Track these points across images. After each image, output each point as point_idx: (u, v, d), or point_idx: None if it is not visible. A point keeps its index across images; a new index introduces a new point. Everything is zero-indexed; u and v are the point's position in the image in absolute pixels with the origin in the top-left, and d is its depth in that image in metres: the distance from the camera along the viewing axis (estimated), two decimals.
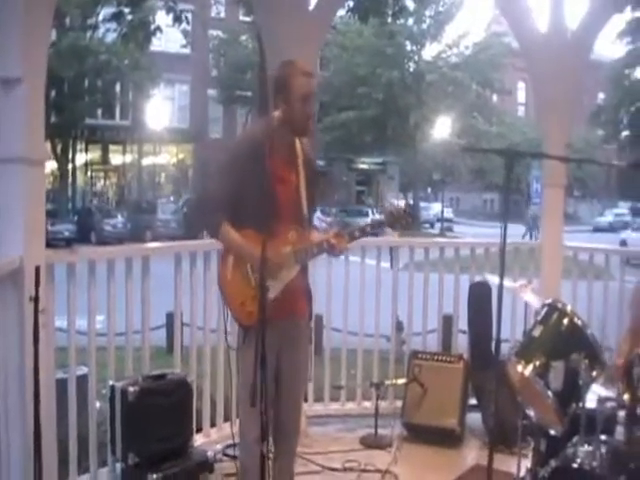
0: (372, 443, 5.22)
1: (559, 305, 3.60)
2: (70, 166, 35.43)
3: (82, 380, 4.28)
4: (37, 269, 3.56)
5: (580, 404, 3.33)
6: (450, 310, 5.91)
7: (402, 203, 3.59)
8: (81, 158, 37.60)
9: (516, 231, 11.72)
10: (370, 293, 5.59)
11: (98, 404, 4.40)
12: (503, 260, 3.31)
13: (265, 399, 3.05)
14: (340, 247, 3.42)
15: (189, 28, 21.03)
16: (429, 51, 38.41)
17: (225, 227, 3.39)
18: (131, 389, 4.08)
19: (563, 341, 3.48)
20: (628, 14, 22.63)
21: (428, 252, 5.96)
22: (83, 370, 4.43)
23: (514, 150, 3.47)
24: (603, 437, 3.37)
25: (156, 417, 4.12)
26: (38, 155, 3.82)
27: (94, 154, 39.41)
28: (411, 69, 37.84)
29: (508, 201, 3.51)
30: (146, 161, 40.34)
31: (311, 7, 5.23)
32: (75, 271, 4.10)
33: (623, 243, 27.68)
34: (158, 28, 12.87)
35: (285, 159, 3.47)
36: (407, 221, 3.38)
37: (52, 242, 21.16)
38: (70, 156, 34.98)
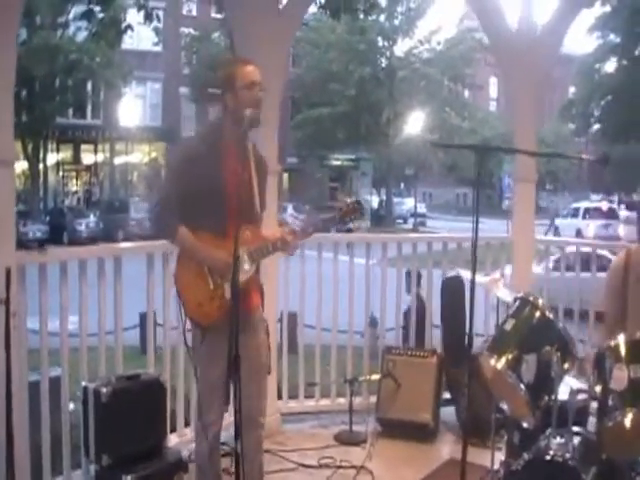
0: (347, 439, 5.23)
1: (530, 298, 3.61)
2: (41, 166, 35.13)
3: (55, 382, 4.24)
4: (8, 271, 3.54)
5: (552, 396, 3.36)
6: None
7: (353, 199, 3.68)
8: (52, 158, 37.31)
9: (489, 226, 11.80)
10: (343, 289, 5.60)
11: (72, 406, 4.37)
12: (475, 254, 3.33)
13: (239, 396, 3.02)
14: (293, 244, 3.48)
15: (160, 26, 20.92)
16: (401, 47, 38.54)
17: (181, 230, 3.41)
18: (104, 390, 4.03)
19: (535, 334, 3.49)
20: (597, 9, 22.80)
21: (401, 247, 5.98)
22: (57, 371, 4.38)
23: (484, 145, 3.51)
24: (575, 429, 3.41)
25: (129, 418, 4.08)
26: (6, 156, 3.78)
27: (65, 154, 39.12)
28: (383, 65, 37.93)
29: (479, 196, 3.52)
30: (118, 160, 40.09)
31: (282, 5, 5.23)
32: (46, 272, 4.06)
33: (556, 229, 31.02)
34: (129, 26, 12.75)
35: (236, 159, 3.45)
36: (356, 214, 3.48)
37: (24, 243, 20.99)
38: (41, 156, 34.67)
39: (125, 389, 4.14)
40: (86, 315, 4.31)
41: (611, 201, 38.60)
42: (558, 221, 33.24)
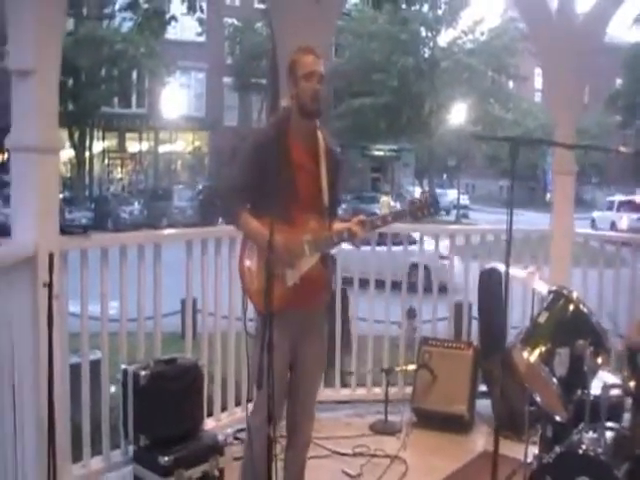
0: (382, 429, 5.26)
1: (565, 292, 3.62)
2: (87, 154, 35.59)
3: (96, 365, 4.35)
4: (51, 256, 3.61)
5: (585, 391, 3.35)
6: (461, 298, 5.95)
7: (424, 192, 3.52)
8: (98, 146, 37.73)
9: (531, 218, 11.63)
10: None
11: (113, 388, 4.47)
12: (509, 247, 3.33)
13: (272, 382, 3.04)
14: (361, 236, 3.38)
15: (204, 16, 21.10)
16: (444, 37, 38.14)
17: (244, 215, 3.41)
18: (143, 373, 4.14)
19: (568, 328, 3.51)
20: None
21: (438, 240, 5.98)
22: (97, 355, 4.49)
23: (518, 137, 3.47)
24: (609, 424, 3.39)
25: (167, 400, 4.18)
26: (51, 144, 3.87)
27: (111, 142, 39.49)
28: (426, 55, 37.59)
29: (513, 188, 3.50)
30: (162, 149, 40.42)
31: None
32: (88, 257, 4.15)
33: (593, 222, 30.82)
34: (173, 17, 12.89)
35: (306, 149, 3.46)
36: (429, 210, 3.33)
37: (69, 229, 21.18)
38: (87, 144, 35.16)
39: (163, 372, 4.24)
40: (126, 300, 4.38)
41: None
42: (596, 214, 33.19)
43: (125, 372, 4.22)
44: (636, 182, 43.03)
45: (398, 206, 26.25)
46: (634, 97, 31.29)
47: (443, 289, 5.83)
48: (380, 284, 5.66)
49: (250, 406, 3.59)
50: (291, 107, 3.41)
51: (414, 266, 5.83)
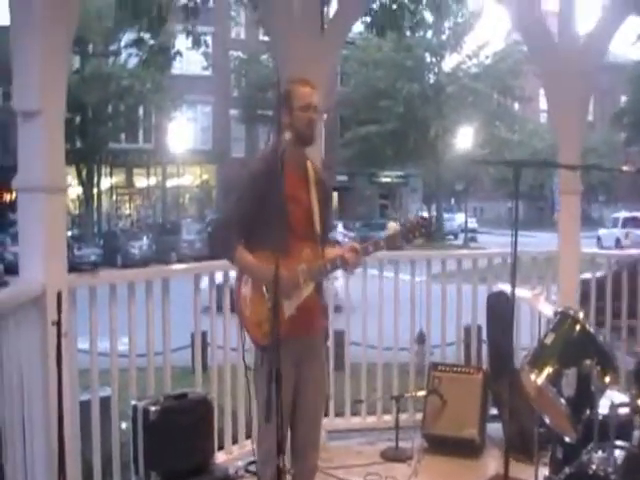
0: (393, 456, 5.24)
1: (571, 312, 3.61)
2: (95, 190, 35.78)
3: (106, 401, 4.36)
4: (59, 294, 3.64)
5: (593, 410, 3.35)
6: (470, 321, 5.95)
7: (419, 215, 3.56)
8: (106, 182, 37.97)
9: (540, 239, 11.70)
10: (389, 306, 5.63)
11: (124, 425, 4.49)
12: (514, 269, 3.35)
13: (281, 414, 3.07)
14: (354, 263, 3.41)
15: (210, 50, 21.32)
16: (449, 62, 38.37)
17: (239, 250, 3.44)
18: (152, 408, 4.15)
19: (575, 348, 3.51)
20: None
21: (445, 264, 5.99)
22: (107, 391, 4.49)
23: (520, 161, 3.51)
24: (619, 443, 3.38)
25: (177, 435, 4.19)
26: (58, 184, 3.93)
27: (118, 178, 39.81)
28: (431, 81, 37.84)
29: (517, 209, 3.53)
30: (170, 183, 40.74)
31: (325, 25, 5.30)
32: (96, 294, 4.18)
33: (598, 239, 31.20)
34: (178, 52, 13.04)
35: (297, 178, 3.50)
36: (421, 232, 3.34)
37: (79, 266, 21.34)
38: (95, 180, 35.33)
39: (173, 407, 4.25)
40: (135, 336, 4.40)
41: None
42: (601, 232, 33.50)
43: (135, 408, 4.22)
44: None
45: None
46: (638, 114, 31.27)
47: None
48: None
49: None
50: (287, 137, 3.46)
51: None
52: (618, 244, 30.90)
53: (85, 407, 4.19)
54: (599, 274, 6.08)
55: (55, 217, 3.92)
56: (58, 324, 3.62)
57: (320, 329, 3.64)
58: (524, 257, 5.73)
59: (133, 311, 4.39)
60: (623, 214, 34.71)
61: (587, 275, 6.20)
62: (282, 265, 3.20)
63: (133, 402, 4.27)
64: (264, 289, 3.39)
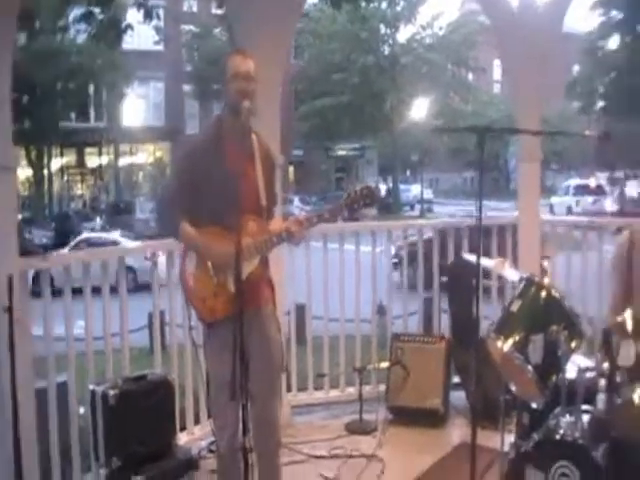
0: (357, 429, 5.21)
1: (536, 278, 3.60)
2: (46, 171, 35.21)
3: (63, 387, 4.25)
4: (10, 279, 3.55)
5: (560, 376, 3.35)
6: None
7: (363, 185, 3.51)
8: (57, 163, 37.38)
9: (496, 207, 11.81)
10: (350, 279, 5.57)
11: (82, 410, 4.36)
12: (480, 237, 3.30)
13: (245, 392, 3.02)
14: (299, 235, 3.41)
15: (161, 24, 20.97)
16: (403, 34, 38.42)
17: (184, 226, 3.39)
18: (111, 392, 4.03)
19: (541, 314, 3.47)
20: None
21: (406, 235, 5.95)
22: (64, 377, 4.38)
23: (485, 126, 3.42)
24: (584, 407, 3.39)
25: (138, 419, 4.08)
26: (6, 162, 3.80)
27: (70, 158, 39.18)
28: (386, 52, 37.81)
29: (482, 178, 3.46)
30: (123, 161, 40.23)
31: None
32: (49, 278, 4.08)
33: (551, 207, 31.22)
34: (129, 26, 12.74)
35: (241, 151, 3.43)
36: (366, 200, 3.34)
37: (31, 249, 20.92)
38: (45, 161, 34.77)
39: (132, 391, 4.14)
40: (91, 319, 4.31)
41: (616, 178, 39.33)
42: (553, 199, 33.81)
43: (93, 393, 4.10)
44: (595, 166, 43.68)
45: None
46: (591, 83, 31.67)
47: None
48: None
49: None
50: (223, 111, 3.47)
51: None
52: (569, 211, 31.54)
53: (42, 394, 4.08)
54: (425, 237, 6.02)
55: (4, 198, 3.80)
56: (9, 310, 3.53)
57: (267, 301, 3.60)
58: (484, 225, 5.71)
59: (88, 292, 4.29)
60: (574, 182, 35.43)
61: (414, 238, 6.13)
62: (226, 239, 3.18)
63: (91, 387, 4.15)
64: (209, 265, 3.37)
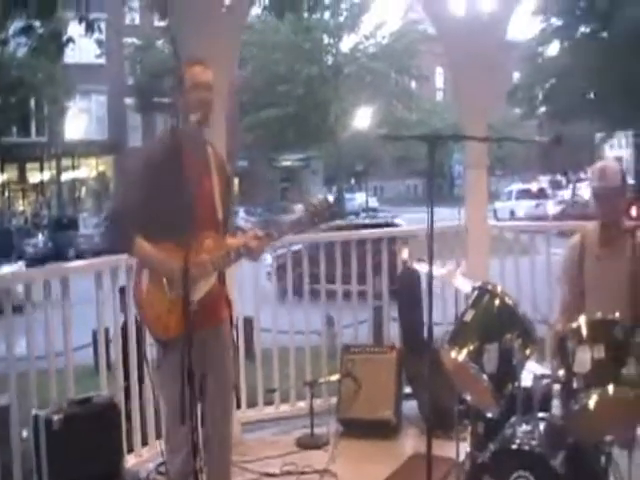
0: (309, 443, 5.13)
1: (489, 287, 3.56)
2: None
3: (5, 410, 4.12)
4: None
5: (516, 384, 3.31)
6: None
7: (322, 197, 3.45)
8: None
9: (441, 215, 11.69)
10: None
11: (25, 433, 4.23)
12: (431, 246, 3.25)
13: (194, 415, 2.97)
14: (258, 250, 3.33)
15: (103, 37, 20.76)
16: (347, 43, 38.49)
17: (138, 241, 3.27)
18: (55, 417, 3.95)
19: (495, 323, 3.43)
20: None
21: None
22: (5, 399, 4.24)
23: (435, 135, 3.40)
24: (541, 414, 3.36)
25: (83, 443, 3.99)
26: None
27: (10, 173, 38.71)
28: (329, 63, 37.89)
29: (432, 186, 3.41)
30: (65, 176, 39.71)
31: (224, 8, 5.14)
32: None
33: (495, 212, 32.15)
34: (70, 39, 12.55)
35: (196, 162, 3.35)
36: (327, 214, 3.30)
37: None
38: None
39: (77, 414, 4.06)
40: (34, 341, 4.20)
41: (558, 182, 40.21)
42: (497, 204, 34.36)
43: (36, 418, 4.00)
44: (537, 170, 44.50)
45: None
46: (532, 89, 32.13)
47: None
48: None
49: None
50: (180, 122, 3.36)
51: None
52: (512, 215, 32.40)
53: None
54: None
55: None
56: None
57: (225, 318, 3.52)
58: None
59: (30, 313, 4.16)
60: (516, 186, 36.16)
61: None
62: (181, 255, 3.05)
63: (34, 411, 4.04)
64: (164, 281, 3.25)
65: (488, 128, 6.16)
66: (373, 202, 43.29)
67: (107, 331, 4.83)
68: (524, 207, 32.91)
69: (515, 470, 3.12)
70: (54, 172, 39.31)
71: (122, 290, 4.68)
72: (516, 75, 37.92)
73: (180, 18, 5.21)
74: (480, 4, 5.81)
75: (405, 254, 5.44)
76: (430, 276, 3.24)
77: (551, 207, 31.40)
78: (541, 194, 35.17)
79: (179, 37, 5.31)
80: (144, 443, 4.82)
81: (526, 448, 3.16)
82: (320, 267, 5.68)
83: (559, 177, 42.63)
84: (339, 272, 5.74)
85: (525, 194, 34.89)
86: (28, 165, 38.91)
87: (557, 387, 3.40)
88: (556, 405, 3.48)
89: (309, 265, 5.65)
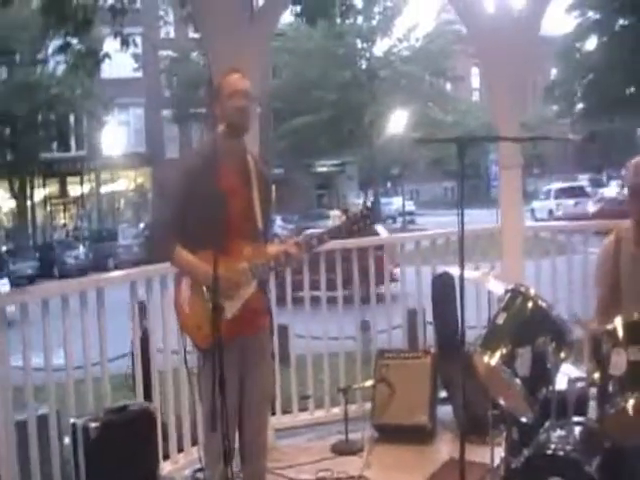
0: (343, 449, 5.11)
1: (522, 289, 3.51)
2: (29, 203, 35.34)
3: (44, 420, 4.16)
4: None
5: (550, 388, 3.27)
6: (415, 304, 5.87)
7: (360, 205, 3.44)
8: (39, 193, 37.51)
9: (477, 217, 11.71)
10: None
11: (67, 440, 4.27)
12: (462, 249, 3.23)
13: (226, 423, 2.97)
14: (298, 258, 3.34)
15: (139, 51, 21.08)
16: (380, 47, 38.48)
17: (178, 250, 3.31)
18: (92, 425, 3.97)
19: (528, 326, 3.39)
20: None
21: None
22: (45, 409, 4.27)
23: (465, 137, 3.39)
24: (576, 419, 3.31)
25: (120, 450, 4.01)
26: None
27: (52, 188, 39.36)
28: (363, 67, 37.90)
29: (463, 188, 3.39)
30: (104, 189, 40.39)
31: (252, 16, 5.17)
32: (28, 311, 4.04)
33: (532, 212, 32.35)
34: (106, 55, 12.80)
35: (235, 172, 3.38)
36: (365, 222, 3.29)
37: (15, 281, 20.81)
38: (28, 193, 34.88)
39: (113, 422, 4.09)
40: (71, 351, 4.24)
41: (598, 180, 39.57)
42: (535, 204, 34.36)
43: (74, 426, 4.04)
44: (576, 169, 43.86)
45: None
46: (569, 86, 31.75)
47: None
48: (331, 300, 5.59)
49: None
50: (218, 131, 3.38)
51: None
52: (551, 215, 31.94)
53: (23, 428, 4.01)
54: None
55: None
56: None
57: (264, 327, 3.52)
58: (467, 235, 5.67)
59: (68, 324, 4.23)
60: (555, 185, 35.77)
61: None
62: (221, 264, 3.07)
63: (72, 420, 4.09)
64: (204, 290, 3.26)
65: (522, 125, 6.07)
66: (410, 206, 43.12)
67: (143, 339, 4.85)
68: (563, 206, 32.46)
69: (549, 476, 3.08)
70: (94, 185, 39.98)
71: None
72: (554, 72, 37.53)
73: (209, 28, 5.25)
74: (510, 0, 5.78)
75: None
76: (461, 279, 3.22)
77: (591, 205, 30.96)
78: (580, 192, 34.53)
79: (208, 47, 5.34)
80: (180, 450, 4.86)
81: (560, 453, 3.11)
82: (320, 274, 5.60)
83: (599, 175, 41.96)
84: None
85: (564, 193, 34.37)
86: (68, 179, 39.54)
87: (593, 390, 3.35)
88: (593, 408, 3.42)
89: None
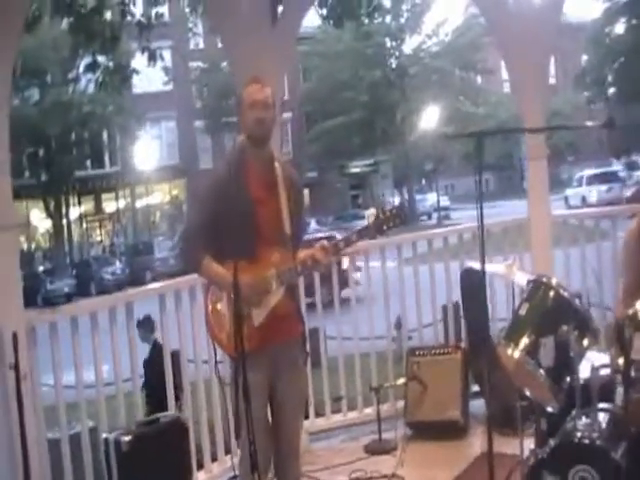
0: (377, 449, 5.10)
1: (544, 279, 3.51)
2: (65, 221, 35.64)
3: (77, 438, 4.23)
4: (14, 335, 3.56)
5: (574, 376, 3.25)
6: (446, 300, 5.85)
7: (393, 202, 3.38)
8: (75, 211, 37.87)
9: (509, 208, 11.61)
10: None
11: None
12: (482, 243, 3.22)
13: (252, 430, 2.97)
14: (325, 262, 3.29)
15: (169, 64, 21.23)
16: (409, 44, 38.45)
17: (205, 261, 3.33)
18: (124, 439, 4.02)
19: (550, 315, 3.39)
20: None
21: (416, 246, 5.86)
22: (78, 428, 4.36)
23: (481, 131, 3.41)
24: (601, 405, 3.30)
25: (153, 462, 4.05)
26: (6, 220, 3.84)
27: (87, 205, 39.77)
28: (393, 65, 37.91)
29: (480, 182, 3.38)
30: (140, 203, 40.68)
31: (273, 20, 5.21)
32: (57, 330, 4.10)
33: (566, 199, 32.25)
34: (134, 70, 12.97)
35: (264, 180, 3.39)
36: (396, 220, 3.22)
37: (53, 300, 21.02)
38: (63, 211, 35.20)
39: (145, 434, 4.14)
40: (100, 368, 4.30)
41: (633, 163, 39.04)
42: (568, 191, 33.98)
43: (106, 441, 4.09)
44: (609, 154, 43.16)
45: None
46: (600, 72, 31.46)
47: None
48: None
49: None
50: (242, 141, 3.41)
51: None
52: (584, 202, 31.44)
53: (55, 445, 4.08)
54: None
55: (6, 255, 3.84)
56: (16, 367, 3.54)
57: (295, 335, 3.50)
58: (495, 228, 5.69)
59: (97, 342, 4.28)
60: (587, 172, 35.25)
61: None
62: (249, 271, 3.12)
63: (104, 435, 4.15)
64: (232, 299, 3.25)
65: (555, 114, 6.04)
66: (444, 201, 42.66)
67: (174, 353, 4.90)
68: (596, 192, 31.98)
69: (575, 464, 3.07)
70: (129, 200, 40.35)
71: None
72: (584, 58, 37.10)
73: (229, 38, 5.27)
74: None
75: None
76: (483, 273, 3.21)
77: (626, 190, 30.43)
78: (613, 177, 33.97)
79: (230, 55, 5.40)
80: (213, 459, 4.88)
81: (586, 442, 3.11)
82: None
83: (634, 158, 41.28)
84: None
85: (596, 179, 33.75)
86: (103, 196, 39.95)
87: (619, 376, 3.31)
88: (619, 395, 3.39)
89: None
